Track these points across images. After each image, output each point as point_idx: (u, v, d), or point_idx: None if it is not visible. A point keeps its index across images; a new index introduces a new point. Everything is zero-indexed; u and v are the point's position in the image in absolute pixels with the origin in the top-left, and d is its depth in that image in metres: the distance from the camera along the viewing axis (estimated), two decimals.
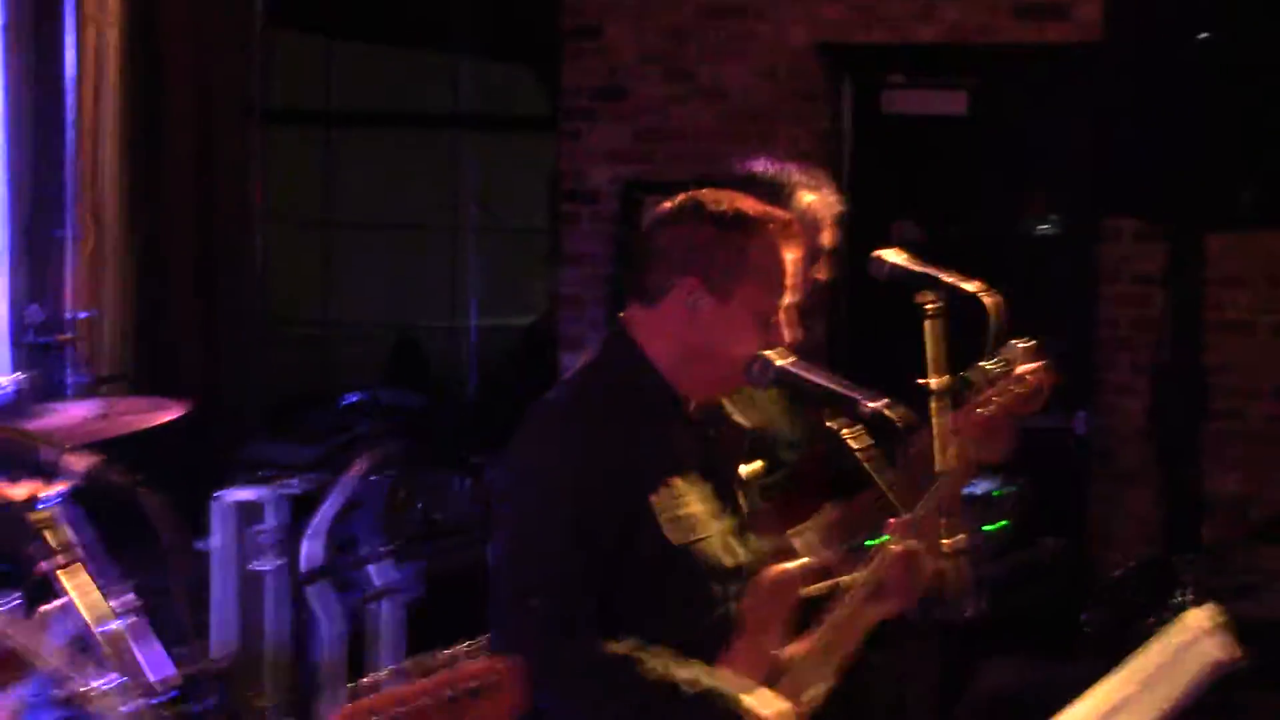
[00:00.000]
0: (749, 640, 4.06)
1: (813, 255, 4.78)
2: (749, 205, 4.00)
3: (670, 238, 3.97)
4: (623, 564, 3.86)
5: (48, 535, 2.22)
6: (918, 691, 4.58)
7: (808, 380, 4.14)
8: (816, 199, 4.88)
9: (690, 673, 3.86)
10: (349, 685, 2.51)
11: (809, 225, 4.78)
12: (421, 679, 2.56)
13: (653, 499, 3.90)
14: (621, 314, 4.12)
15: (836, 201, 4.92)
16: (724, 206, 3.95)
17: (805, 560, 4.49)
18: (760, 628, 4.06)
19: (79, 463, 2.21)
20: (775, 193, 4.81)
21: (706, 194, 4.00)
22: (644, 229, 4.09)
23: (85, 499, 3.64)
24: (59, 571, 2.22)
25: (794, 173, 4.89)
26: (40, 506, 2.24)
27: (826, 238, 4.87)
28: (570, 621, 3.78)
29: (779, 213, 4.07)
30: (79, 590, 2.25)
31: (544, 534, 3.82)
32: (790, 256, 4.03)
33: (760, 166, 4.93)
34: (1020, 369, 4.86)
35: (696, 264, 3.94)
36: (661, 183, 9.49)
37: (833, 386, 4.21)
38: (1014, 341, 4.85)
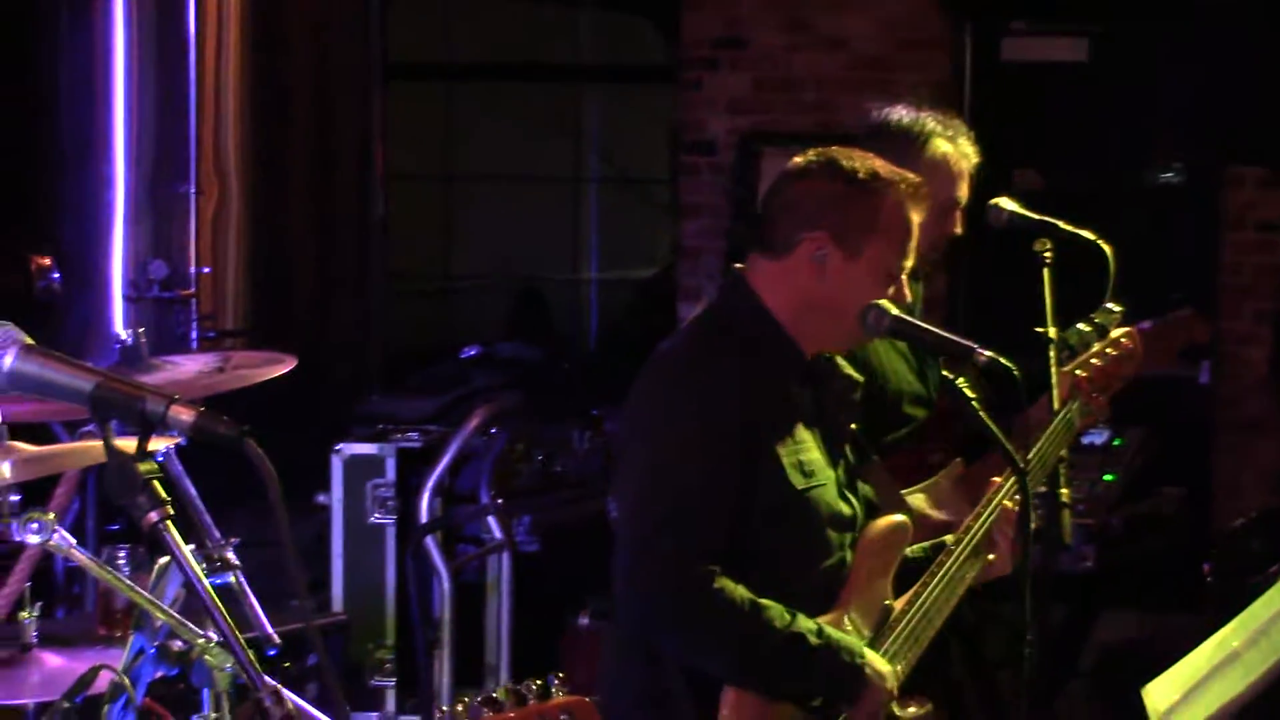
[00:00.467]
0: (859, 590, 4.07)
1: (946, 208, 4.77)
2: (881, 165, 4.01)
3: (802, 192, 3.98)
4: (747, 508, 3.89)
5: (157, 487, 2.25)
6: (1037, 642, 4.57)
7: (922, 330, 4.16)
8: (952, 150, 4.81)
9: (812, 624, 3.89)
10: (441, 711, 2.58)
11: (944, 177, 4.76)
12: (514, 707, 2.63)
13: (777, 446, 3.93)
14: (738, 264, 4.15)
15: (973, 152, 4.87)
16: (857, 164, 3.97)
17: (916, 513, 4.52)
18: (870, 578, 4.08)
19: (185, 414, 2.24)
20: (910, 142, 4.78)
21: (839, 151, 4.02)
22: (774, 182, 4.09)
23: (200, 454, 3.69)
24: (166, 524, 2.25)
25: (930, 120, 4.81)
26: (154, 459, 2.27)
27: (962, 190, 4.83)
28: (701, 564, 3.80)
29: (910, 175, 4.07)
30: (174, 547, 2.27)
31: (677, 477, 3.84)
32: (917, 219, 4.05)
33: (896, 113, 4.89)
34: (1115, 332, 4.85)
35: (827, 219, 3.95)
36: (780, 133, 9.49)
37: (947, 336, 4.23)
38: (1108, 305, 4.82)
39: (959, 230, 4.86)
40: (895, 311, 4.07)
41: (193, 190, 7.71)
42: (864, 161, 3.99)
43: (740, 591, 3.84)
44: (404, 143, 9.99)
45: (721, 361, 3.96)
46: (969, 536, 4.20)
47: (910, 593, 4.13)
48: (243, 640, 2.35)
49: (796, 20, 9.60)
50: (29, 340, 2.32)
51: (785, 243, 3.98)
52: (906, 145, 4.77)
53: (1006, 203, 5.01)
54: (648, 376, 4.04)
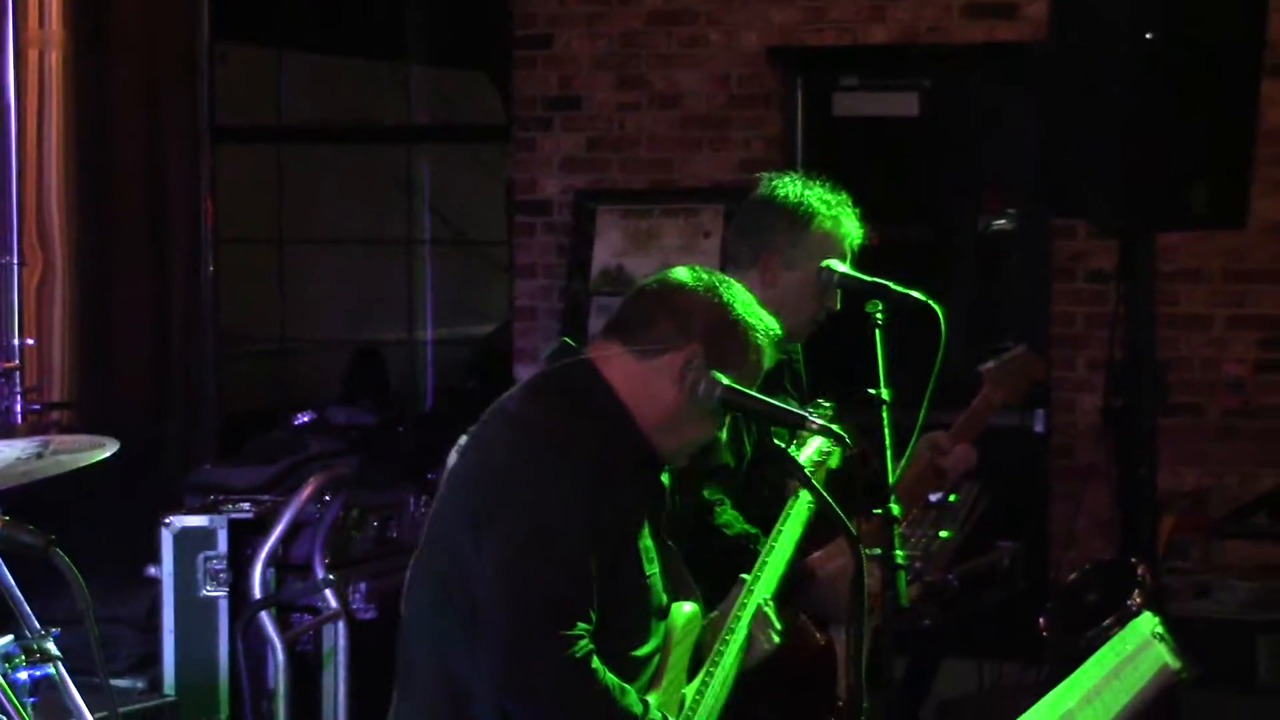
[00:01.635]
0: (667, 677, 4.14)
1: (827, 284, 4.98)
2: (754, 308, 4.19)
3: (689, 303, 4.11)
4: (607, 591, 3.94)
5: None
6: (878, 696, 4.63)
7: (756, 400, 4.18)
8: (836, 230, 5.02)
9: (656, 713, 3.99)
10: None
11: (828, 253, 4.98)
12: None
13: (637, 533, 4.03)
14: (586, 345, 4.23)
15: (855, 231, 5.06)
16: (738, 301, 4.16)
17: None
18: (675, 665, 4.16)
19: None
20: (795, 218, 4.98)
21: (723, 278, 4.21)
22: (656, 283, 4.19)
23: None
24: None
25: (816, 197, 5.02)
26: None
27: (843, 267, 5.00)
28: (580, 643, 3.85)
29: (774, 325, 4.22)
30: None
31: (559, 554, 3.87)
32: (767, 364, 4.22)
33: (785, 187, 5.02)
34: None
35: (704, 339, 4.09)
36: (615, 191, 9.49)
37: (780, 406, 4.28)
38: (819, 400, 4.89)
39: (837, 306, 5.04)
40: (726, 382, 4.09)
41: (15, 261, 7.59)
42: (745, 298, 4.17)
43: (609, 675, 3.89)
44: (236, 206, 9.90)
45: (590, 443, 3.99)
46: (731, 637, 4.26)
47: (697, 681, 4.18)
48: None
49: (629, 78, 9.61)
50: None
51: (657, 344, 4.08)
52: (791, 220, 4.99)
53: (838, 265, 5.04)
54: (511, 448, 4.03)
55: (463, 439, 4.16)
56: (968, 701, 7.53)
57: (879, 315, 4.92)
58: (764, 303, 4.31)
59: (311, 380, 10.15)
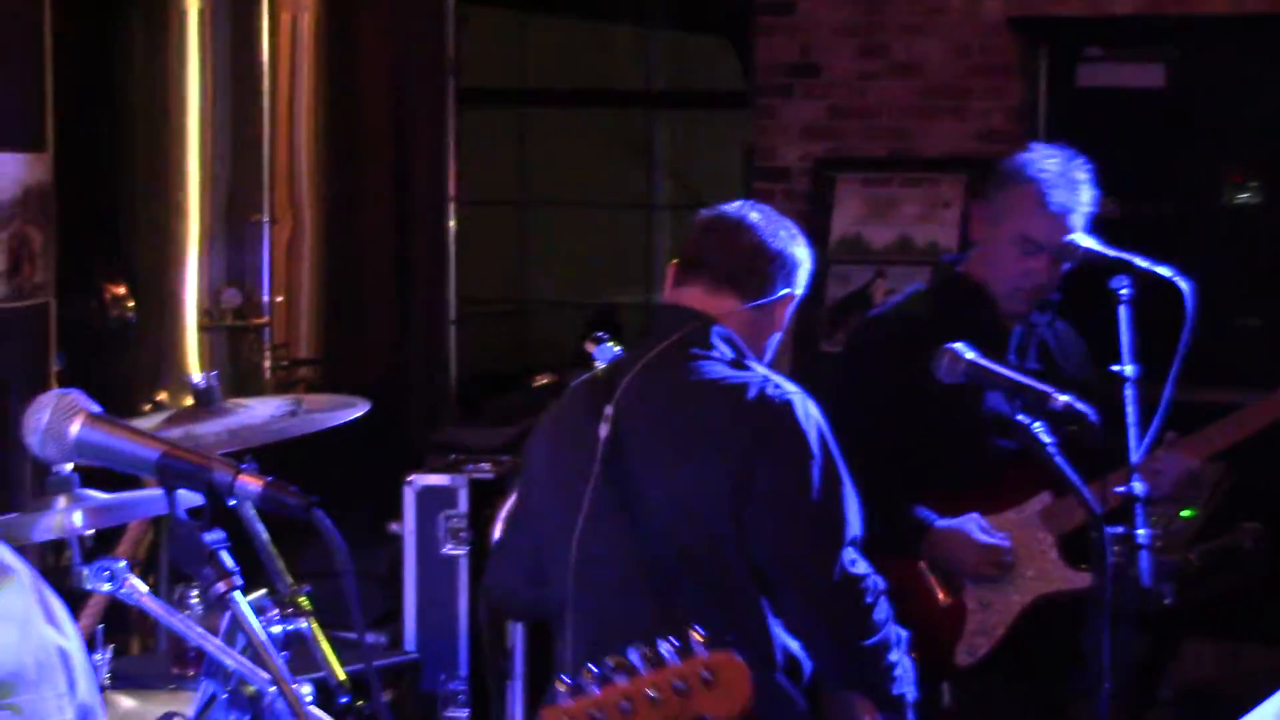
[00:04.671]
0: None
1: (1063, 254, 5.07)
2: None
3: (783, 248, 4.41)
4: None
5: (224, 557, 2.20)
6: (1118, 677, 4.62)
7: (998, 375, 4.15)
8: (1071, 200, 5.10)
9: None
10: (568, 682, 2.43)
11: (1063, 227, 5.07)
12: (651, 669, 2.47)
13: None
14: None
15: (1089, 200, 5.13)
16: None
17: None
18: None
19: (253, 484, 2.19)
20: (1032, 191, 5.09)
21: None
22: (751, 232, 4.41)
23: None
24: (234, 595, 2.20)
25: (1053, 168, 5.13)
26: (214, 527, 2.22)
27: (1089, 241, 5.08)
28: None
29: None
30: (244, 618, 2.22)
31: (840, 490, 4.22)
32: None
33: (1022, 161, 5.19)
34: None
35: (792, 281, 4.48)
36: (855, 159, 9.42)
37: (1023, 381, 4.24)
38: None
39: (1054, 279, 5.13)
40: (970, 356, 4.11)
41: (266, 219, 7.69)
42: None
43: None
44: (478, 168, 9.96)
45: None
46: None
47: None
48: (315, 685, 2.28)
49: (871, 47, 9.51)
50: (95, 408, 2.26)
51: (767, 293, 4.36)
52: (1028, 193, 5.06)
53: (1082, 239, 4.99)
54: (732, 408, 4.21)
55: (607, 412, 4.22)
56: (1209, 685, 7.40)
57: (1123, 290, 4.85)
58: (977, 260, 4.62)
59: (549, 342, 10.19)
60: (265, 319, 7.58)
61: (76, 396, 2.26)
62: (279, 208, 7.75)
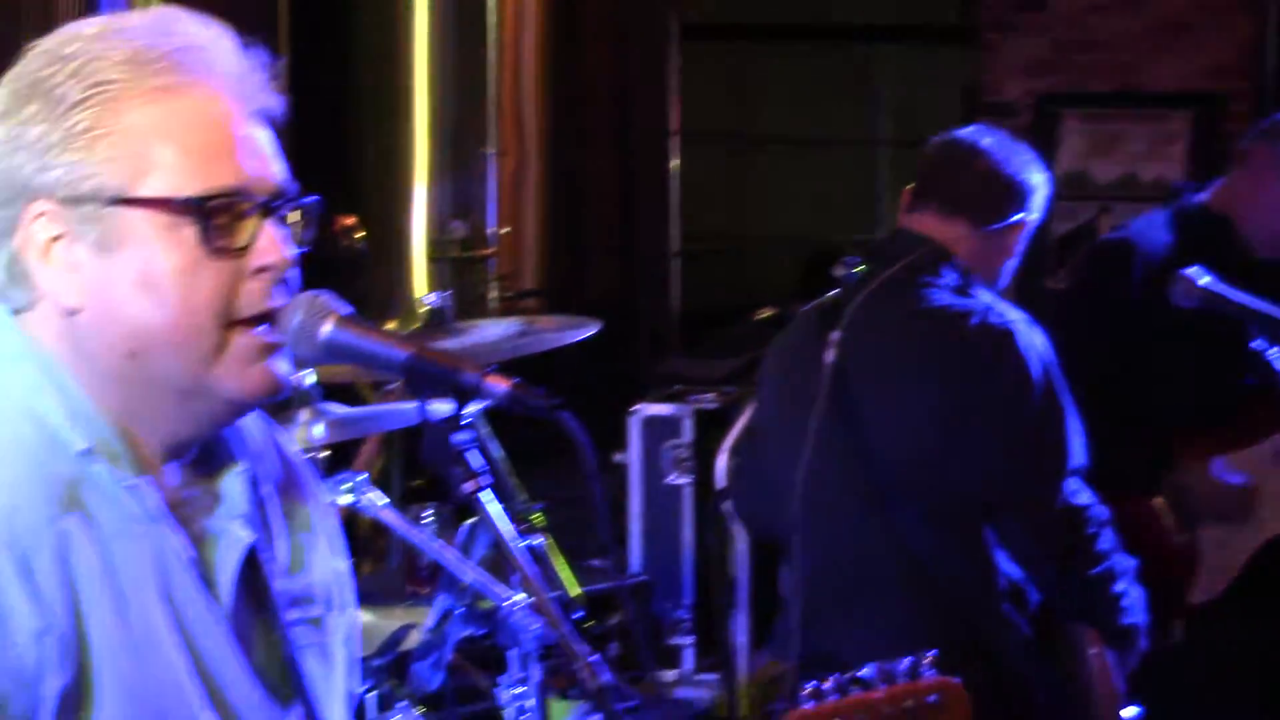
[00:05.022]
0: None
1: None
2: None
3: (1013, 169, 4.32)
4: None
5: (472, 456, 2.21)
6: None
7: (1234, 301, 4.08)
8: None
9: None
10: (809, 687, 2.53)
11: None
12: (883, 685, 2.57)
13: None
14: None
15: None
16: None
17: None
18: None
19: (500, 385, 2.19)
20: None
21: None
22: (974, 153, 4.35)
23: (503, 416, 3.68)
24: (478, 493, 2.20)
25: None
26: (462, 428, 2.23)
27: None
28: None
29: None
30: (496, 511, 2.23)
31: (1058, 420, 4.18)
32: None
33: None
34: None
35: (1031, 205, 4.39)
36: (1080, 95, 9.28)
37: (1262, 308, 4.17)
38: None
39: None
40: (1206, 281, 4.07)
41: (492, 151, 7.73)
42: None
43: None
44: (698, 104, 9.94)
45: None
46: None
47: None
48: (554, 608, 2.28)
49: None
50: (345, 310, 2.27)
51: (999, 217, 4.28)
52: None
53: None
54: (958, 341, 4.21)
55: (833, 338, 4.20)
56: None
57: None
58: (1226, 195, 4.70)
59: (768, 278, 10.17)
60: (490, 250, 7.63)
61: (328, 298, 2.27)
62: (505, 140, 7.79)
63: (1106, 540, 4.20)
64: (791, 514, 4.27)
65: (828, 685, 2.56)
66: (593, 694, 2.21)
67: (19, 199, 2.18)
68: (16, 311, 2.24)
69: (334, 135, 7.70)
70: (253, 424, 2.40)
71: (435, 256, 7.56)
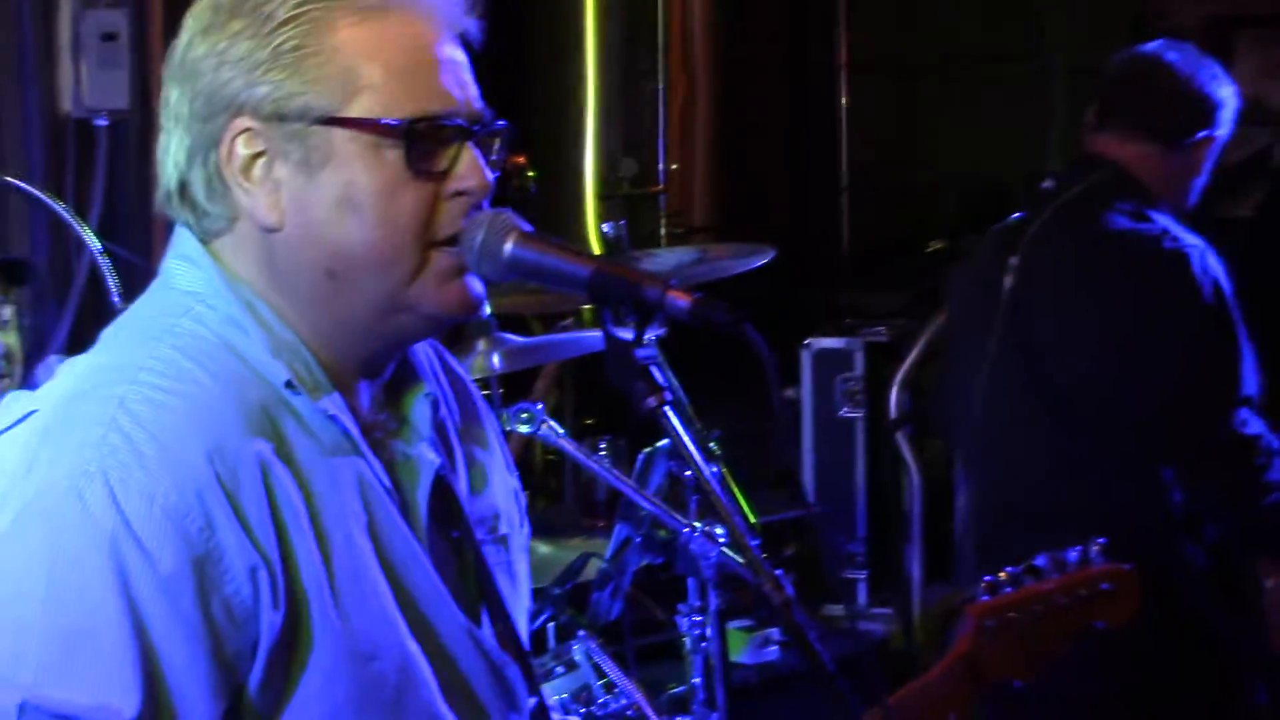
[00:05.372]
0: None
1: None
2: None
3: (1199, 82, 4.25)
4: None
5: (654, 373, 2.18)
6: None
7: None
8: None
9: None
10: (986, 580, 2.53)
11: None
12: (1056, 575, 2.61)
13: None
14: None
15: None
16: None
17: None
18: None
19: (682, 299, 2.16)
20: None
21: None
22: (1157, 69, 4.27)
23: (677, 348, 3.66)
24: (661, 408, 2.18)
25: None
26: (646, 345, 2.20)
27: None
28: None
29: None
30: (675, 430, 2.21)
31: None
32: None
33: None
34: None
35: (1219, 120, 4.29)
36: (1252, 17, 9.10)
37: None
38: None
39: None
40: None
41: (661, 85, 7.72)
42: None
43: None
44: (868, 36, 9.85)
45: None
46: None
47: None
48: (738, 526, 2.25)
49: None
50: (527, 227, 2.26)
51: (1181, 133, 4.20)
52: None
53: None
54: (1133, 268, 4.14)
55: (1012, 263, 4.15)
56: None
57: None
58: None
59: (938, 211, 10.08)
60: (660, 186, 7.62)
61: (510, 215, 2.26)
62: (673, 75, 7.76)
63: (1277, 470, 4.11)
64: (968, 439, 4.25)
65: (1002, 578, 2.57)
66: (777, 609, 2.17)
67: (222, 114, 2.18)
68: (209, 239, 2.25)
69: (503, 75, 7.70)
70: (423, 349, 2.41)
71: (606, 194, 7.56)
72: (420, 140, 2.18)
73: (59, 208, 4.05)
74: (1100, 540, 2.65)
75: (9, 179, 4.13)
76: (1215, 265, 4.12)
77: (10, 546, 2.09)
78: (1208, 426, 4.09)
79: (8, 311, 3.99)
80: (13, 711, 2.05)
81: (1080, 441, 4.16)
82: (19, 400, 2.20)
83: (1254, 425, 4.09)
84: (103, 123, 5.56)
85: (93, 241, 4.06)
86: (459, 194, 2.22)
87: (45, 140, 5.46)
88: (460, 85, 2.23)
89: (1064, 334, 4.17)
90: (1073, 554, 2.62)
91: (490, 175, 2.25)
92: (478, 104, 2.24)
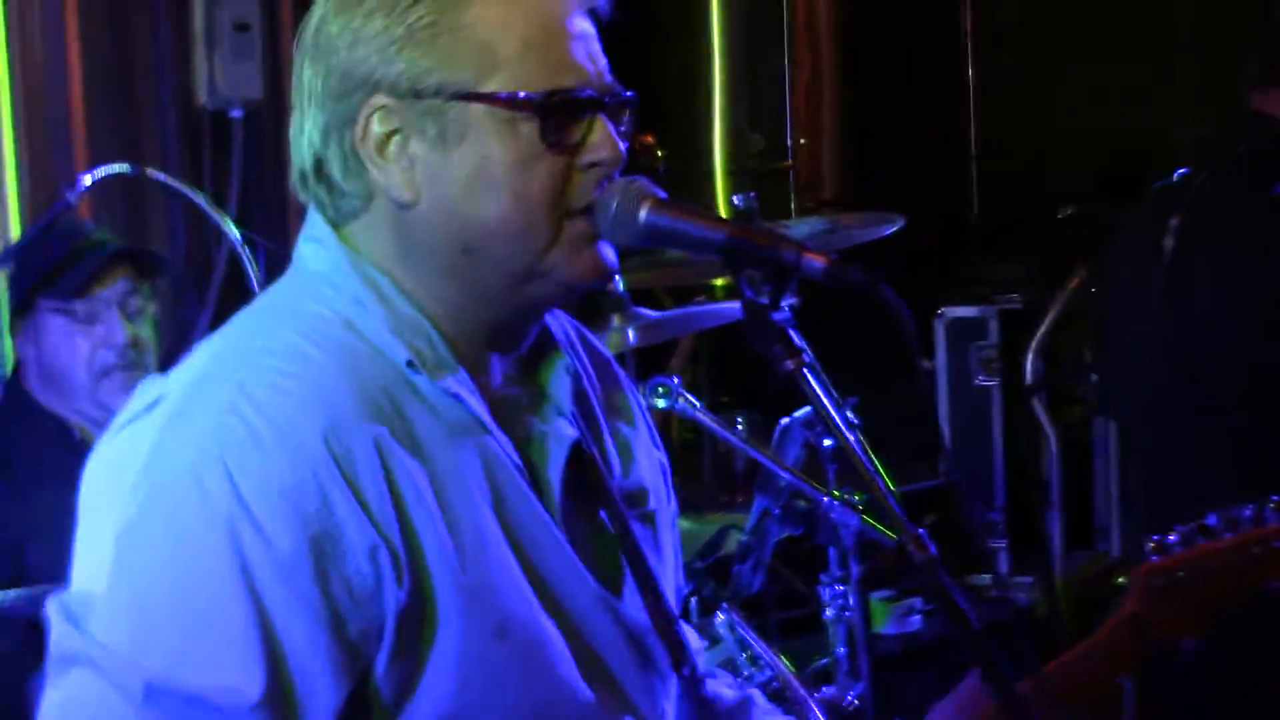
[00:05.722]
0: None
1: None
2: None
3: None
4: None
5: (791, 335, 2.17)
6: None
7: None
8: None
9: None
10: (1154, 540, 2.49)
11: None
12: (1228, 534, 2.55)
13: None
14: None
15: None
16: None
17: None
18: None
19: (818, 261, 2.15)
20: None
21: None
22: None
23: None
24: (800, 370, 2.16)
25: None
26: (782, 309, 2.19)
27: None
28: None
29: None
30: (814, 392, 2.19)
31: None
32: None
33: None
34: None
35: None
36: None
37: None
38: None
39: None
40: None
41: (787, 62, 7.72)
42: None
43: None
44: (991, 7, 9.79)
45: None
46: None
47: None
48: (880, 486, 2.23)
49: None
50: (661, 194, 2.26)
51: None
52: None
53: None
54: None
55: (1172, 224, 4.07)
56: None
57: None
58: None
59: (1068, 178, 9.99)
60: (789, 161, 7.62)
61: (644, 183, 2.26)
62: (799, 51, 7.76)
63: None
64: (1132, 405, 4.17)
65: (1171, 538, 2.52)
66: (920, 568, 2.15)
67: (358, 92, 2.19)
68: (343, 222, 2.26)
69: (631, 55, 7.72)
70: (561, 325, 2.42)
71: (735, 170, 7.56)
72: (555, 114, 2.18)
73: (198, 198, 4.08)
74: (1276, 498, 2.56)
75: (149, 170, 4.15)
76: None
77: (137, 533, 2.11)
78: None
79: (137, 302, 4.03)
80: (139, 693, 2.07)
81: (1244, 409, 4.07)
82: (152, 386, 2.22)
83: None
84: (238, 114, 5.61)
85: (232, 231, 4.09)
86: (592, 165, 2.22)
87: (181, 133, 5.53)
88: (591, 58, 2.23)
89: (1232, 302, 4.07)
90: (1247, 511, 2.55)
91: (622, 146, 2.25)
92: (608, 76, 2.25)
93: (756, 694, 2.67)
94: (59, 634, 2.14)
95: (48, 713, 2.13)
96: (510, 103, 2.17)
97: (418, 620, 2.13)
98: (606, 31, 2.30)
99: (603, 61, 2.24)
